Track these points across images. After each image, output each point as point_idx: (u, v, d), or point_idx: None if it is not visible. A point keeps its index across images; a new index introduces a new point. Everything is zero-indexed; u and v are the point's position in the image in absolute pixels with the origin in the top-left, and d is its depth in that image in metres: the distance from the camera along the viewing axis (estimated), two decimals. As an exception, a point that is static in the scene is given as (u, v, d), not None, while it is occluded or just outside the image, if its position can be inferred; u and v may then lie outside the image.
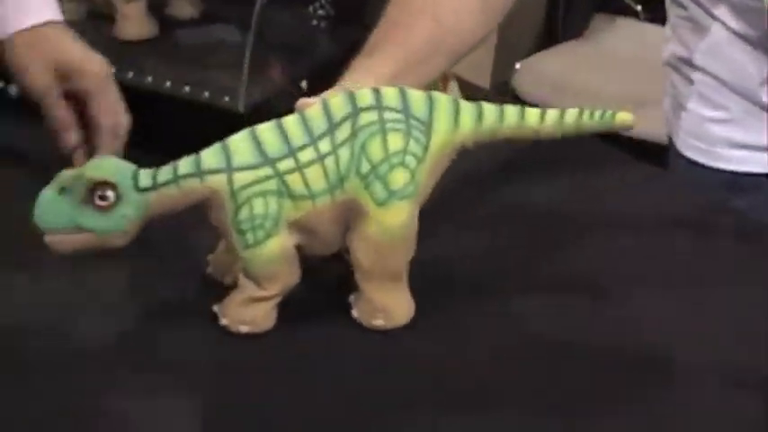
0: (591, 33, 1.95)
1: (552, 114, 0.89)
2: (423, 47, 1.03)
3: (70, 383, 0.84)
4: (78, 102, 1.06)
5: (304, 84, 1.18)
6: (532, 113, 0.89)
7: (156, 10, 1.28)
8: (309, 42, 1.30)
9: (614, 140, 1.05)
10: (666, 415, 0.82)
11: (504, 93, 1.81)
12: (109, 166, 0.84)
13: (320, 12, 1.29)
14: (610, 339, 0.90)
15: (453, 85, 1.24)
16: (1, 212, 1.05)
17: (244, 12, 1.18)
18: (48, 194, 0.83)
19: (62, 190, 0.82)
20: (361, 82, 0.94)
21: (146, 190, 0.83)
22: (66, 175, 0.83)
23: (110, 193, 0.82)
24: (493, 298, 0.94)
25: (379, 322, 0.89)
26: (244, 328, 0.88)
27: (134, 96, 1.12)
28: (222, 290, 0.90)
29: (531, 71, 1.86)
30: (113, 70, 1.13)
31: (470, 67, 1.71)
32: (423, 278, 0.90)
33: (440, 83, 1.20)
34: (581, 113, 0.89)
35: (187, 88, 1.12)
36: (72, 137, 1.05)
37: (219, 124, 0.99)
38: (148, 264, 0.92)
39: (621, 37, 1.92)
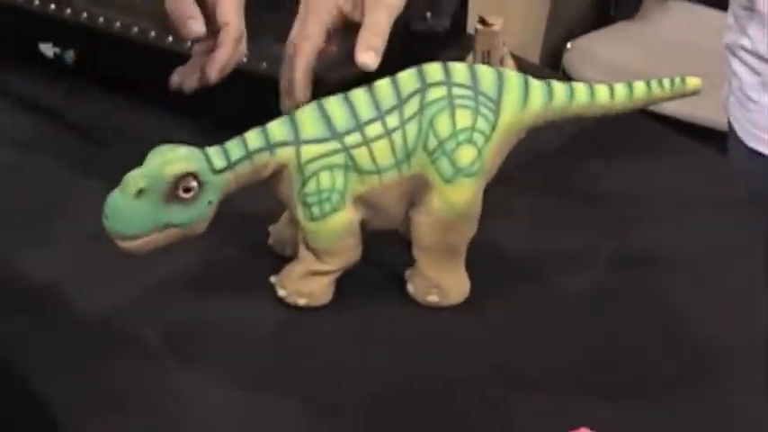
0: (643, 15, 1.95)
1: (621, 89, 0.89)
2: None
3: (131, 353, 0.85)
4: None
5: (360, 58, 1.18)
6: (602, 91, 0.89)
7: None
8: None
9: (672, 125, 1.05)
10: (715, 407, 0.83)
11: (554, 70, 1.81)
12: (183, 155, 0.81)
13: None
14: (665, 325, 0.90)
15: (510, 62, 1.24)
16: (58, 185, 1.06)
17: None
18: (122, 201, 0.80)
19: (139, 193, 0.79)
20: None
21: (223, 170, 0.82)
22: (137, 176, 0.80)
23: (194, 184, 0.81)
24: (549, 279, 0.94)
25: (433, 299, 0.90)
26: (301, 301, 0.89)
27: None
28: (281, 262, 0.91)
29: (582, 51, 1.86)
30: (169, 40, 1.14)
31: (520, 45, 1.71)
32: (480, 257, 0.91)
33: (497, 62, 1.21)
34: (649, 85, 0.89)
35: (244, 59, 1.12)
36: (197, 25, 0.94)
37: (276, 96, 1.00)
38: (208, 234, 0.92)
39: (674, 20, 1.92)
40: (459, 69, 0.87)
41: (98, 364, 0.84)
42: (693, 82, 0.90)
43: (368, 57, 0.89)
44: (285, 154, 0.84)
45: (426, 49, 1.29)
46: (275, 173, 0.85)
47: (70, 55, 1.21)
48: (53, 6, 1.21)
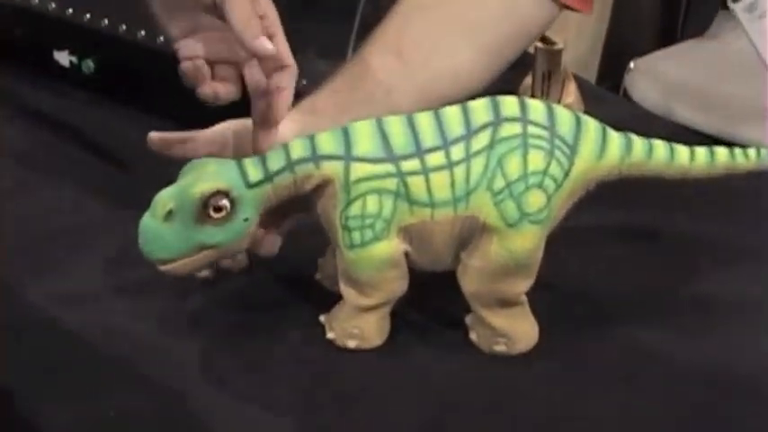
0: (713, 32, 1.97)
1: (702, 154, 0.92)
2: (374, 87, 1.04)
3: (172, 391, 0.89)
4: None
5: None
6: (682, 152, 0.92)
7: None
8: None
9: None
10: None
11: (614, 91, 1.83)
12: (212, 172, 0.85)
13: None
14: (738, 373, 0.93)
15: (572, 86, 1.28)
16: (72, 207, 1.10)
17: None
18: (152, 224, 0.84)
19: (169, 215, 0.84)
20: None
21: (259, 184, 0.86)
22: (165, 197, 0.84)
23: (225, 202, 0.84)
24: (621, 326, 0.97)
25: (500, 348, 0.93)
26: (351, 343, 0.93)
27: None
28: (335, 298, 0.94)
29: (646, 71, 1.88)
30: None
31: (576, 63, 1.74)
32: (545, 299, 0.95)
33: (558, 85, 1.25)
34: (732, 153, 0.93)
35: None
36: (269, 44, 0.88)
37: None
38: (259, 263, 0.96)
39: (747, 38, 1.94)
40: (536, 107, 0.89)
41: (134, 397, 0.88)
42: None
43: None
44: (332, 168, 0.87)
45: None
46: (318, 187, 0.88)
47: (88, 65, 1.25)
48: (71, 11, 1.25)
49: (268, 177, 0.86)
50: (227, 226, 0.85)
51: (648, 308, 1.00)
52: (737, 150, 0.93)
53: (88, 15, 1.24)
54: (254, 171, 0.86)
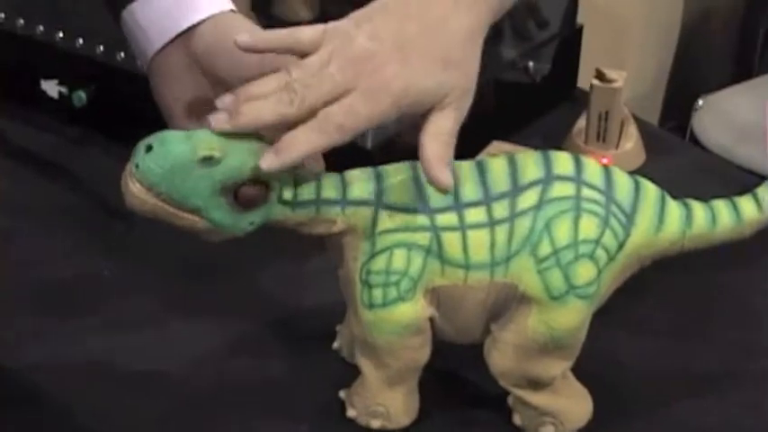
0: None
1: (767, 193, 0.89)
2: None
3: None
4: None
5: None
6: (747, 205, 0.89)
7: (261, 10, 1.30)
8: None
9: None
10: None
11: (680, 133, 1.83)
12: None
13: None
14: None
15: (632, 129, 1.26)
16: (60, 260, 1.08)
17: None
18: (180, 152, 0.80)
19: (204, 161, 0.80)
20: None
21: (285, 203, 0.84)
22: (216, 144, 0.81)
23: (257, 194, 0.82)
24: (684, 407, 0.96)
25: (548, 430, 0.91)
26: (375, 423, 0.91)
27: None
28: (351, 370, 0.92)
29: (715, 109, 1.87)
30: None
31: (637, 100, 1.72)
32: (601, 373, 0.93)
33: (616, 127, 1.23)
34: None
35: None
36: None
37: (342, 160, 1.02)
38: (268, 328, 0.96)
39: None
40: (592, 167, 0.87)
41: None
42: None
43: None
44: (359, 215, 0.85)
45: (527, 105, 1.32)
46: (341, 234, 0.86)
47: (80, 96, 1.23)
48: (61, 35, 1.24)
49: (294, 202, 0.84)
50: (233, 215, 0.83)
51: (704, 382, 0.98)
52: None
53: (81, 41, 1.23)
54: (287, 190, 0.84)
